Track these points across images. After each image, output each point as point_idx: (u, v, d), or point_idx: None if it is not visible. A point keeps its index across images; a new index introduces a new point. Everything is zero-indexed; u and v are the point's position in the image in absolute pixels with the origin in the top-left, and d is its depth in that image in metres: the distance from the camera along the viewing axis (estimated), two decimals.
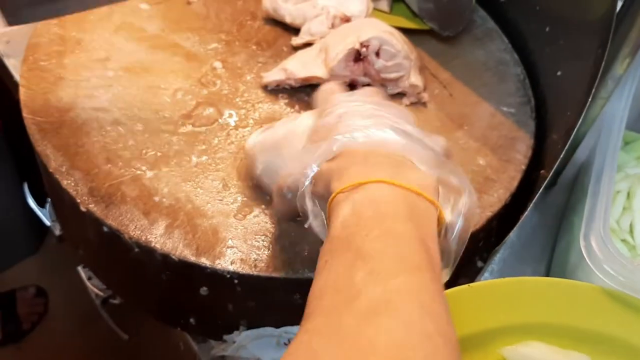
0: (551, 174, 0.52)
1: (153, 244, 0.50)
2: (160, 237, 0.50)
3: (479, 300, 0.49)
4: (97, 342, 1.30)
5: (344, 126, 0.42)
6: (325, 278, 0.34)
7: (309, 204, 0.42)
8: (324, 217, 0.42)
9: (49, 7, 0.50)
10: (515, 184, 0.59)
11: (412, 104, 0.66)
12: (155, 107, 0.60)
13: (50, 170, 0.53)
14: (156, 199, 0.53)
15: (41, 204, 1.23)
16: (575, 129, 0.50)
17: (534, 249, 0.71)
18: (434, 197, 0.39)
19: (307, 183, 0.42)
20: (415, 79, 0.64)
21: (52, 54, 0.63)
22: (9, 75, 0.80)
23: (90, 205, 0.51)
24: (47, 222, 1.22)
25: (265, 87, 0.64)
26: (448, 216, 0.40)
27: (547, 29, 0.67)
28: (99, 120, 0.58)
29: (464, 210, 0.40)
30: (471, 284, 0.50)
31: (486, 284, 0.50)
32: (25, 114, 0.57)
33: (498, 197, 0.58)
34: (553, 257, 0.70)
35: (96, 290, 1.10)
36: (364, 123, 0.42)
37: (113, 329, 1.06)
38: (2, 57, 0.80)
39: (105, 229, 0.51)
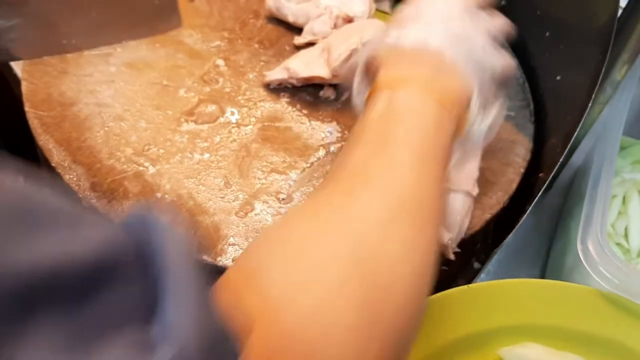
0: (550, 177, 0.52)
1: None
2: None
3: (478, 301, 0.50)
4: None
5: (414, 22, 0.46)
6: (352, 155, 0.39)
7: (357, 80, 0.47)
8: (364, 97, 0.45)
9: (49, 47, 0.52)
10: (514, 186, 0.60)
11: None
12: (157, 103, 0.60)
13: (53, 164, 0.53)
14: (158, 195, 0.53)
15: None
16: (575, 133, 0.51)
17: (529, 251, 0.72)
18: (462, 110, 0.43)
19: (361, 62, 0.46)
20: None
21: None
22: (9, 69, 0.79)
23: (93, 201, 0.51)
24: None
25: (267, 86, 0.64)
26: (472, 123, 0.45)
27: (548, 33, 0.68)
28: (102, 116, 0.58)
29: (490, 122, 0.46)
30: (470, 285, 0.51)
31: (484, 285, 0.51)
32: (27, 107, 0.57)
33: (497, 199, 0.58)
34: (548, 259, 0.70)
35: None
36: (434, 25, 0.45)
37: None
38: None
39: None
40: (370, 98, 0.43)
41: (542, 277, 0.69)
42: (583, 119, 0.51)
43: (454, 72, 0.43)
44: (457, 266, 0.62)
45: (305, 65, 0.64)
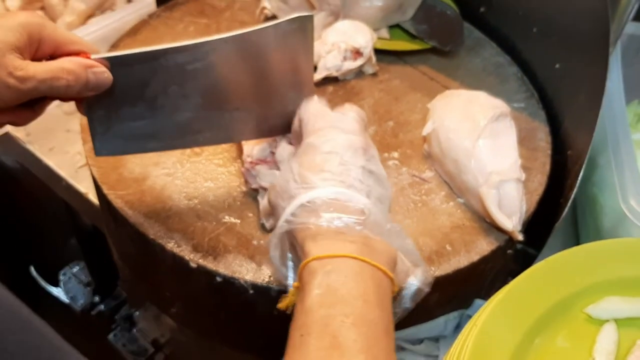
0: (589, 150, 0.60)
1: (269, 284, 0.54)
2: (272, 276, 0.54)
3: (558, 271, 0.56)
4: None
5: (321, 173, 0.47)
6: (302, 358, 0.40)
7: (275, 254, 0.49)
8: (290, 266, 0.49)
9: (133, 145, 0.56)
10: (547, 168, 0.67)
11: None
12: (218, 162, 0.64)
13: (151, 237, 0.56)
14: (255, 242, 0.57)
15: (52, 283, 1.23)
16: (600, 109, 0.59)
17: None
18: (393, 272, 0.45)
19: (276, 238, 0.48)
20: None
21: None
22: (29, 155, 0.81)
23: (200, 261, 0.55)
24: (65, 299, 1.22)
25: None
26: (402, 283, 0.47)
27: (535, 29, 0.77)
28: (175, 183, 0.61)
29: (422, 279, 0.48)
30: (547, 259, 0.57)
31: (559, 255, 0.57)
32: (105, 190, 0.60)
33: (538, 181, 0.66)
34: (578, 229, 0.78)
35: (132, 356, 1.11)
36: (339, 174, 0.47)
37: None
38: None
39: (218, 279, 0.55)
40: (302, 276, 0.44)
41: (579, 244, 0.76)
42: (604, 96, 0.59)
43: (377, 239, 0.45)
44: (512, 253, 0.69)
45: None
